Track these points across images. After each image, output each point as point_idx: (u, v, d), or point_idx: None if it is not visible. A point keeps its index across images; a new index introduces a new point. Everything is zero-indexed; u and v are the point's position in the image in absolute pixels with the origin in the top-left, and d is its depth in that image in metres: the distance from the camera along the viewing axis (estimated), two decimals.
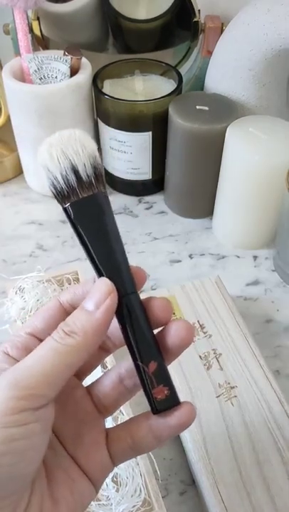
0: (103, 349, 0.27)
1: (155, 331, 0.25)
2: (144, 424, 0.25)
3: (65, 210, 0.24)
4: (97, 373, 0.29)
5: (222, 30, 0.59)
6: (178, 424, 0.24)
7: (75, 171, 0.24)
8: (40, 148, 0.24)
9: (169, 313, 0.24)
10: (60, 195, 0.24)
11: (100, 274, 0.24)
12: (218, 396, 0.38)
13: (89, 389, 0.27)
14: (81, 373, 0.27)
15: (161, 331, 0.25)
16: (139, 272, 0.25)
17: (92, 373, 0.28)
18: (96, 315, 0.22)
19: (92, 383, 0.27)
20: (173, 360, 0.25)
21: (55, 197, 0.24)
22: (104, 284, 0.23)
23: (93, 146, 0.24)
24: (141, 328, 0.24)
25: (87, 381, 0.27)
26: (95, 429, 0.25)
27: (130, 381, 0.26)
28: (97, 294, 0.23)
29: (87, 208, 0.24)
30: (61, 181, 0.24)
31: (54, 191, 0.24)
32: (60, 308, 0.25)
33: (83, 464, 0.24)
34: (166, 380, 0.24)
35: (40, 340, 0.24)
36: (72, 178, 0.23)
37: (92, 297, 0.23)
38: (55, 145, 0.24)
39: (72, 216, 0.24)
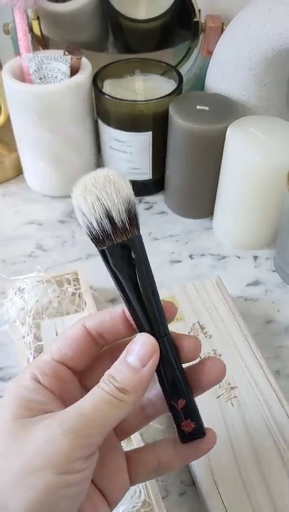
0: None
1: (186, 364, 0.26)
2: (170, 448, 0.27)
3: (102, 252, 0.24)
4: None
5: (222, 30, 0.58)
6: (203, 450, 0.26)
7: (110, 218, 0.24)
8: (74, 189, 0.24)
9: (198, 352, 0.26)
10: (96, 240, 0.24)
11: (135, 316, 0.25)
12: (219, 396, 0.38)
13: None
14: None
15: (196, 366, 0.27)
16: (170, 308, 0.26)
17: None
18: (143, 373, 0.23)
19: None
20: (202, 393, 0.27)
21: (92, 240, 0.24)
22: (150, 342, 0.24)
23: (128, 188, 0.24)
24: (173, 368, 0.25)
25: None
26: (116, 453, 0.26)
27: (152, 410, 0.28)
28: (143, 351, 0.24)
29: (123, 251, 0.24)
30: (96, 227, 0.24)
31: (90, 235, 0.24)
32: (87, 335, 0.25)
33: (105, 488, 0.25)
34: (193, 415, 0.26)
35: (69, 368, 0.25)
36: (106, 224, 0.24)
37: (137, 354, 0.24)
38: (90, 189, 0.24)
39: (109, 259, 0.24)
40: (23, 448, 0.20)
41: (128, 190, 0.24)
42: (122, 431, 0.27)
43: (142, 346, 0.24)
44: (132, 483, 0.26)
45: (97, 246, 0.24)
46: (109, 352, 0.27)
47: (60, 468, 0.20)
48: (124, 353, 0.24)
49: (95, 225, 0.24)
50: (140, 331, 0.25)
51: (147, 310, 0.24)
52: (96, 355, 0.27)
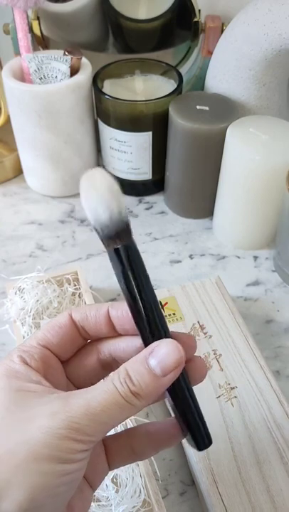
0: None
1: None
2: (144, 437, 0.27)
3: (117, 251, 0.24)
4: None
5: (222, 30, 0.59)
6: (173, 441, 0.27)
7: (121, 217, 0.23)
8: (85, 187, 0.23)
9: (193, 352, 0.26)
10: (108, 237, 0.24)
11: (139, 317, 0.24)
12: (218, 397, 0.38)
13: None
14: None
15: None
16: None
17: None
18: (162, 381, 0.22)
19: None
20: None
21: (102, 241, 0.24)
22: (177, 351, 0.23)
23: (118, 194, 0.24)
24: (185, 397, 0.25)
25: None
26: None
27: None
28: (168, 359, 0.22)
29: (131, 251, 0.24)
30: (110, 226, 0.23)
31: (101, 234, 0.24)
32: (72, 325, 0.26)
33: (87, 474, 0.25)
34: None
35: (54, 354, 0.25)
36: (118, 223, 0.23)
37: (162, 360, 0.22)
38: (100, 188, 0.23)
39: (122, 258, 0.24)
40: (26, 434, 0.21)
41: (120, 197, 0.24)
42: None
43: (168, 354, 0.22)
44: (110, 468, 0.27)
45: (110, 244, 0.24)
46: (95, 345, 0.27)
47: (61, 459, 0.20)
48: (146, 351, 0.23)
49: (115, 219, 0.23)
50: (140, 331, 0.24)
51: (154, 312, 0.24)
52: (81, 345, 0.27)
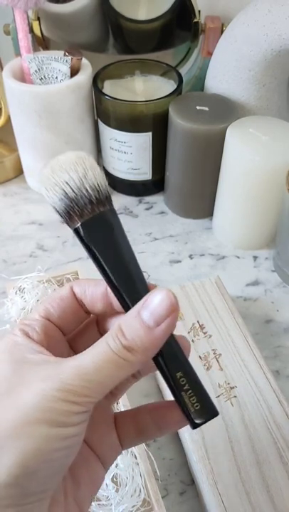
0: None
1: None
2: (147, 416, 0.26)
3: (76, 231, 0.24)
4: None
5: (222, 31, 0.59)
6: (175, 426, 0.26)
7: (69, 198, 0.24)
8: (40, 173, 0.25)
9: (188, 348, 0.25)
10: (65, 220, 0.24)
11: (116, 292, 0.24)
12: (218, 396, 0.38)
13: None
14: None
15: None
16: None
17: None
18: (156, 332, 0.21)
19: None
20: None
21: (63, 218, 0.24)
22: (169, 299, 0.21)
23: (87, 163, 0.25)
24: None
25: None
26: (105, 413, 0.26)
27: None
28: (159, 308, 0.21)
29: (95, 226, 0.24)
30: (60, 207, 0.24)
31: (58, 215, 0.24)
32: (74, 298, 0.25)
33: (95, 446, 0.25)
34: (197, 392, 0.24)
35: (57, 327, 0.24)
36: (67, 203, 0.24)
37: (153, 311, 0.21)
38: (52, 172, 0.24)
39: (82, 236, 0.24)
40: (19, 399, 0.20)
41: (89, 165, 0.24)
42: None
43: (160, 303, 0.21)
44: (122, 446, 0.26)
45: (69, 225, 0.24)
46: (99, 321, 0.27)
47: (56, 422, 0.20)
48: (139, 304, 0.22)
49: (57, 205, 0.24)
50: (124, 308, 0.24)
51: (128, 286, 0.23)
52: (84, 318, 0.26)
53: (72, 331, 0.26)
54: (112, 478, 0.34)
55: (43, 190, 0.24)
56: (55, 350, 0.23)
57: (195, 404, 0.23)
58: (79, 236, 0.24)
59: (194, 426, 0.24)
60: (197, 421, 0.24)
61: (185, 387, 0.23)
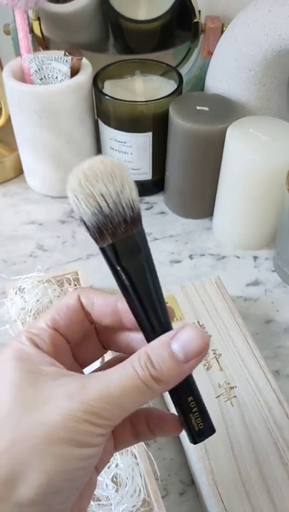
0: None
1: None
2: (143, 422, 0.26)
3: (103, 250, 0.23)
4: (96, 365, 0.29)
5: (222, 31, 0.59)
6: (170, 432, 0.26)
7: (105, 215, 0.22)
8: (69, 182, 0.23)
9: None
10: (95, 237, 0.23)
11: (138, 313, 0.24)
12: (218, 396, 0.38)
13: None
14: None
15: None
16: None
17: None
18: (184, 367, 0.22)
19: None
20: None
21: (92, 237, 0.23)
22: (202, 337, 0.22)
23: (125, 180, 0.23)
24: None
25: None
26: None
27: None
28: (192, 345, 0.22)
29: (125, 248, 0.23)
30: (93, 225, 0.22)
31: (88, 232, 0.23)
32: (81, 308, 0.25)
33: None
34: (202, 412, 0.25)
35: (63, 336, 0.24)
36: (102, 221, 0.22)
37: (185, 346, 0.22)
38: (87, 183, 0.22)
39: (109, 257, 0.23)
40: (44, 416, 0.20)
41: (126, 178, 0.22)
42: None
43: (192, 339, 0.22)
44: (115, 447, 0.26)
45: (96, 242, 0.23)
46: (100, 330, 0.27)
47: (79, 442, 0.20)
48: (168, 335, 0.22)
49: (89, 219, 0.22)
50: (142, 328, 0.24)
51: (152, 308, 0.23)
52: (88, 329, 0.26)
53: (76, 340, 0.26)
54: (112, 478, 0.34)
55: (72, 198, 0.22)
56: (60, 359, 0.24)
57: (199, 424, 0.24)
58: (106, 255, 0.23)
59: (195, 442, 0.25)
60: (199, 439, 0.25)
61: (193, 410, 0.24)
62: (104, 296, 0.25)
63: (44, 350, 0.23)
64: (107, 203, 0.21)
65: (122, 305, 0.25)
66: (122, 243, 0.22)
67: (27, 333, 0.24)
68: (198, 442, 0.25)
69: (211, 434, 0.25)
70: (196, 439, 0.25)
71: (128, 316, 0.25)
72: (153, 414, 0.27)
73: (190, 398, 0.24)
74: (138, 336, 0.25)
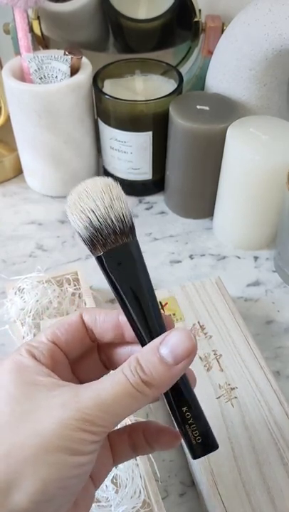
0: None
1: None
2: (140, 435, 0.27)
3: (98, 259, 0.24)
4: None
5: (223, 30, 0.58)
6: (168, 445, 0.27)
7: (95, 228, 0.24)
8: (68, 199, 0.25)
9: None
10: (89, 247, 0.24)
11: (133, 323, 0.24)
12: (219, 397, 0.38)
13: None
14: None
15: None
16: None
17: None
18: (174, 370, 0.22)
19: None
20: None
21: (86, 245, 0.25)
22: (189, 340, 0.22)
23: (115, 192, 0.25)
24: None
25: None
26: None
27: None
28: (180, 348, 0.22)
29: (118, 257, 0.24)
30: (85, 235, 0.24)
31: (83, 242, 0.25)
32: (83, 326, 0.26)
33: (93, 470, 0.25)
34: (200, 425, 0.25)
35: (62, 351, 0.25)
36: (93, 233, 0.24)
37: (173, 349, 0.22)
38: (79, 199, 0.25)
39: (105, 266, 0.24)
40: (38, 425, 0.20)
41: (116, 195, 0.24)
42: None
43: (180, 343, 0.22)
44: (114, 462, 0.27)
45: (92, 253, 0.25)
46: (102, 348, 0.27)
47: (73, 450, 0.20)
48: (157, 340, 0.23)
49: (83, 233, 0.24)
50: (138, 338, 0.24)
51: (146, 317, 0.24)
52: (89, 346, 0.27)
53: (76, 357, 0.26)
54: (112, 480, 0.34)
55: (69, 215, 0.25)
56: (58, 372, 0.24)
57: (197, 438, 0.24)
58: (101, 264, 0.24)
59: (194, 457, 0.25)
60: (197, 454, 0.25)
61: (190, 421, 0.24)
62: (106, 312, 0.26)
63: (42, 362, 0.24)
64: (97, 217, 0.24)
65: (123, 318, 0.25)
66: (112, 252, 0.24)
67: (27, 346, 0.24)
68: (197, 457, 0.25)
69: (212, 450, 0.25)
70: (195, 453, 0.25)
71: (129, 329, 0.25)
72: (150, 428, 0.27)
73: (185, 408, 0.24)
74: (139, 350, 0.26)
